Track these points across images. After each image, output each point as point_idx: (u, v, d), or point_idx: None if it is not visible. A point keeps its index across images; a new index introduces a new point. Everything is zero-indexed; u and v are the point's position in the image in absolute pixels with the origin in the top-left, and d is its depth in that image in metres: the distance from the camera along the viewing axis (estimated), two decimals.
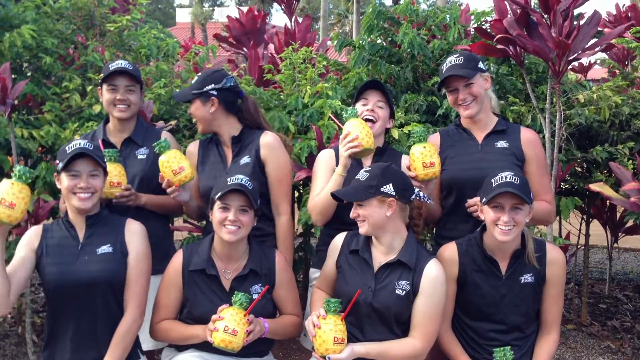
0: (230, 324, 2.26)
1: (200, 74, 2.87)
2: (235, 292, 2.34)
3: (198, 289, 2.49)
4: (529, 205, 2.35)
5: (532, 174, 2.66)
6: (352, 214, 2.42)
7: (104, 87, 2.83)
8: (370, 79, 2.83)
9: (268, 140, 2.83)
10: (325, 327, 2.25)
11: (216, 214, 2.44)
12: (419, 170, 2.51)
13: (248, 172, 2.72)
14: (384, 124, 2.80)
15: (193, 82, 2.85)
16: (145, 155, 2.89)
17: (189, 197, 2.70)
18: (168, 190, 2.64)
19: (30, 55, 4.06)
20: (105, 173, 2.50)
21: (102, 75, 2.87)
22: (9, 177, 3.71)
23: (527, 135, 2.74)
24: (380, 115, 2.76)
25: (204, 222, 3.03)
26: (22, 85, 3.51)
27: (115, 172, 2.67)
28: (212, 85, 2.79)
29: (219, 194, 2.41)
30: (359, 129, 2.52)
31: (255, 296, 2.46)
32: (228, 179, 2.44)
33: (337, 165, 2.74)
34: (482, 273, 2.47)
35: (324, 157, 2.84)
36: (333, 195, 2.49)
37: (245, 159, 2.80)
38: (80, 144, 2.40)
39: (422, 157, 2.51)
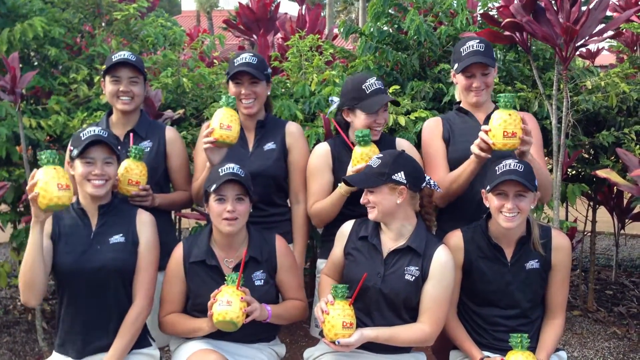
0: (223, 297, 2.29)
1: (252, 54, 2.84)
2: (227, 274, 2.36)
3: (200, 279, 2.51)
4: (533, 193, 2.36)
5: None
6: (362, 200, 2.43)
7: (107, 78, 2.80)
8: (377, 94, 2.70)
9: (294, 130, 2.92)
10: (334, 313, 2.27)
11: (213, 206, 2.43)
12: (497, 138, 2.34)
13: (274, 157, 2.81)
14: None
15: (253, 62, 2.79)
16: (148, 148, 2.87)
17: (218, 161, 2.61)
18: (204, 140, 2.58)
19: (37, 45, 4.07)
20: (119, 161, 2.50)
21: (104, 66, 2.85)
22: (18, 167, 3.79)
23: (524, 115, 2.77)
24: (385, 119, 2.78)
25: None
26: (31, 75, 3.53)
27: (137, 170, 2.64)
28: (269, 68, 2.88)
29: (214, 186, 2.39)
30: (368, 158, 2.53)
31: (257, 282, 2.49)
32: (220, 170, 2.43)
33: (332, 160, 2.77)
34: (488, 260, 2.49)
35: (319, 154, 2.82)
36: (345, 181, 2.50)
37: (270, 145, 2.84)
38: (95, 130, 2.40)
39: (505, 125, 2.32)
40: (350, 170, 2.59)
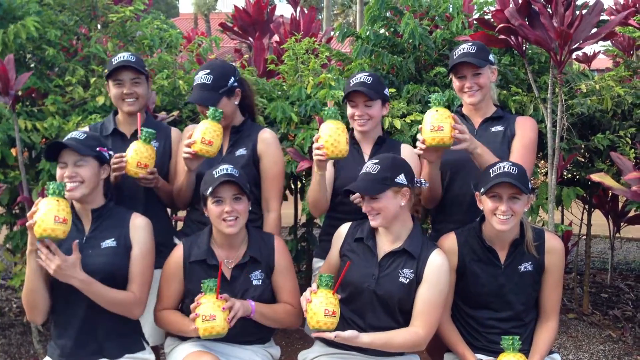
0: (205, 312, 2.27)
1: (209, 70, 2.78)
2: (202, 281, 2.34)
3: (199, 279, 2.48)
4: (527, 195, 2.37)
5: (513, 148, 2.72)
6: (365, 209, 2.41)
7: (110, 82, 2.84)
8: (352, 88, 2.75)
9: (266, 137, 2.85)
10: (317, 301, 2.27)
11: (212, 209, 2.44)
12: (425, 133, 2.42)
13: (242, 163, 2.75)
14: (378, 118, 2.82)
15: (207, 81, 2.74)
16: (155, 148, 2.87)
17: (195, 167, 2.66)
18: (184, 150, 2.60)
19: (33, 47, 4.07)
20: (100, 161, 2.46)
21: (106, 70, 2.86)
22: (13, 169, 3.79)
23: (521, 118, 2.84)
24: (371, 114, 2.77)
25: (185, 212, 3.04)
26: (26, 77, 3.53)
27: (146, 153, 2.66)
28: (233, 78, 2.80)
29: (210, 189, 2.40)
30: (328, 136, 2.48)
31: (255, 281, 2.50)
32: (214, 172, 2.44)
33: None
34: (482, 262, 2.50)
35: None
36: (347, 191, 2.47)
37: (241, 151, 2.82)
38: (72, 135, 2.43)
39: (432, 120, 2.41)
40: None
